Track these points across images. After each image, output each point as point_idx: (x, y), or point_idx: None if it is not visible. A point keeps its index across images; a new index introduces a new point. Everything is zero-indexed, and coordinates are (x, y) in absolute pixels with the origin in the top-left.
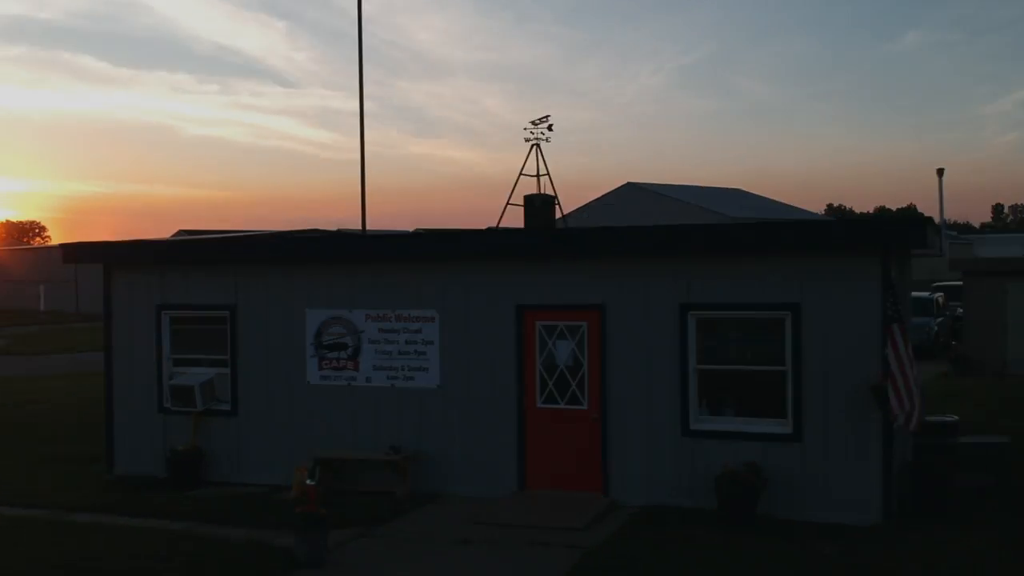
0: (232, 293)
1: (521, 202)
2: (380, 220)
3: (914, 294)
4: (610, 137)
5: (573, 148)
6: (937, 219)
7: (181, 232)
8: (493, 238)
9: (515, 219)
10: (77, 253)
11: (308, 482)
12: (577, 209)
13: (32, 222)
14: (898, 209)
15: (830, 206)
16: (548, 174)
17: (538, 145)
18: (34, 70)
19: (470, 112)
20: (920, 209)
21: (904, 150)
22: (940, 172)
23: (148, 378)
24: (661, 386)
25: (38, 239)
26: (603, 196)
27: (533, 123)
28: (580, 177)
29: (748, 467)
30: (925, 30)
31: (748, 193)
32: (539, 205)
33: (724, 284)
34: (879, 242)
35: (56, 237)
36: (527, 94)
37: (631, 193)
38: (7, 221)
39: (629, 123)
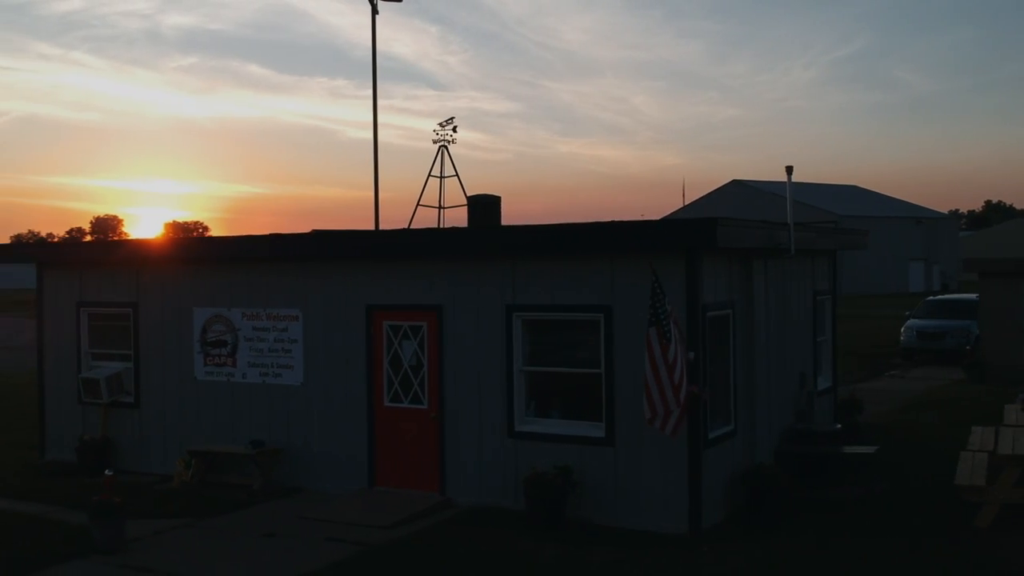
0: (135, 292)
1: (434, 204)
2: (522, 218)
3: (958, 296)
4: (760, 133)
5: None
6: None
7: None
8: (345, 240)
9: (429, 220)
10: (12, 251)
11: (107, 472)
12: (683, 207)
13: (196, 222)
14: None
15: (988, 203)
16: (457, 175)
17: (445, 147)
18: (205, 78)
19: (618, 111)
20: None
21: None
22: (789, 170)
23: (71, 371)
24: (491, 387)
25: None
26: (708, 194)
27: (440, 125)
28: (730, 175)
29: (559, 470)
30: None
31: (864, 190)
32: (484, 206)
33: (546, 286)
34: (682, 243)
35: None
36: (675, 91)
37: (736, 190)
38: (174, 222)
39: (779, 119)
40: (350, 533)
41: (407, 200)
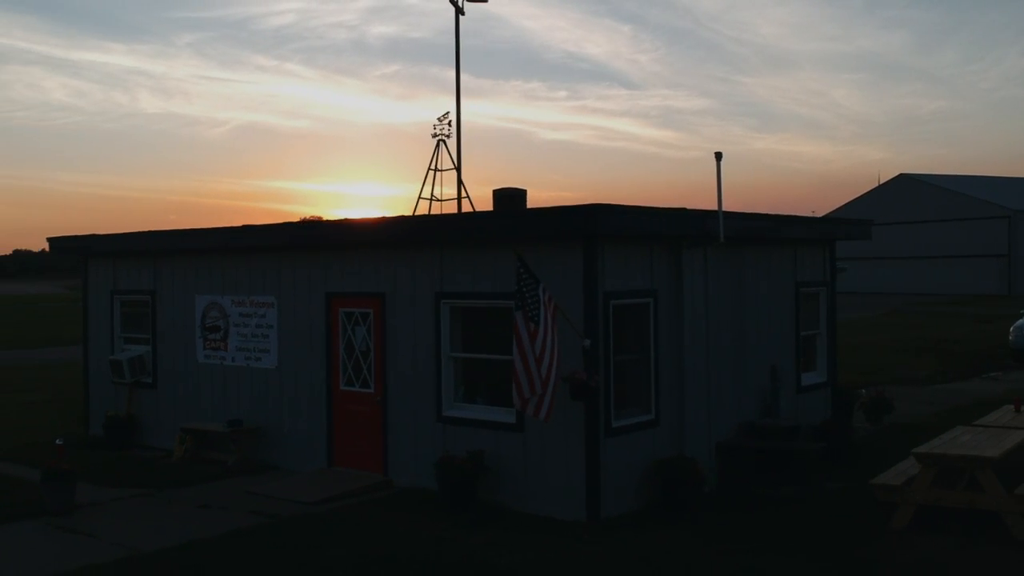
0: (152, 280)
1: (431, 197)
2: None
3: None
4: (971, 125)
5: (931, 139)
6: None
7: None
8: (308, 229)
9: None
10: (61, 244)
11: (57, 442)
12: (851, 201)
13: None
14: None
15: None
16: (457, 168)
17: (443, 141)
18: (406, 85)
19: (816, 105)
20: None
21: None
22: (718, 156)
23: (107, 353)
24: (425, 372)
25: None
26: (876, 188)
27: (439, 119)
28: (941, 168)
29: (471, 455)
30: None
31: None
32: (508, 199)
33: (469, 274)
34: (578, 231)
35: None
36: (878, 84)
37: (903, 184)
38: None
39: (991, 110)
40: (274, 507)
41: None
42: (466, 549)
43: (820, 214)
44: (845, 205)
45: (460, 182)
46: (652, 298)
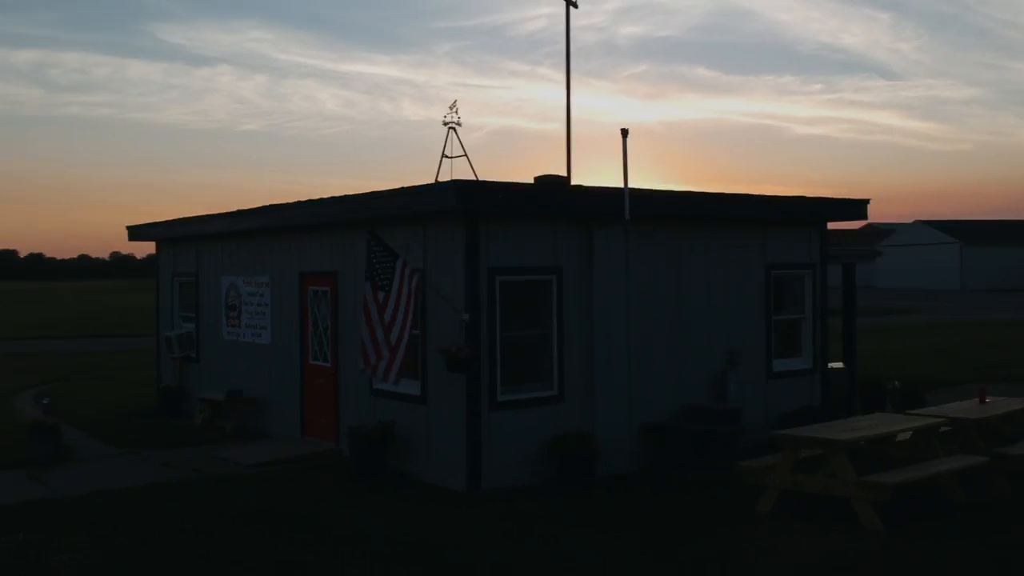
0: (195, 263)
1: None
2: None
3: None
4: None
5: None
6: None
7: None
8: (279, 212)
9: None
10: (139, 231)
11: (44, 401)
12: None
13: None
14: None
15: None
16: (466, 155)
17: (454, 129)
18: (654, 84)
19: None
20: None
21: None
22: (624, 132)
23: (168, 330)
24: None
25: None
26: None
27: (450, 108)
28: None
29: (382, 424)
30: None
31: None
32: (547, 185)
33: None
34: (460, 210)
35: None
36: None
37: None
38: None
39: None
40: (216, 468)
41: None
42: (342, 509)
43: None
44: None
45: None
46: (555, 275)
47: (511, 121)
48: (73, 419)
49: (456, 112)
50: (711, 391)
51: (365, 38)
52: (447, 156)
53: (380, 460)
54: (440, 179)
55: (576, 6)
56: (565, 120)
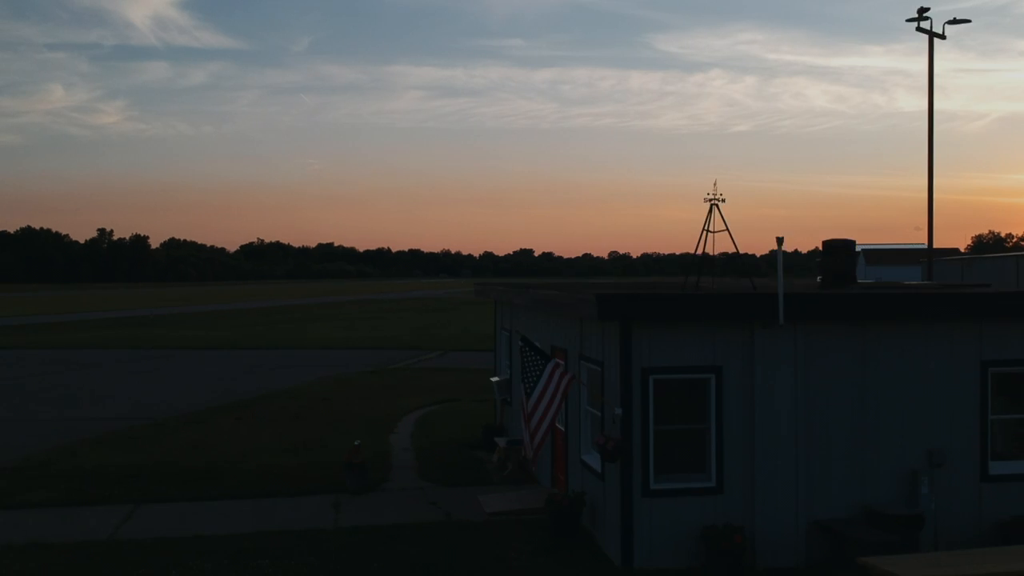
0: (509, 318)
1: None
2: None
3: None
4: None
5: None
6: None
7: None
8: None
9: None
10: (484, 290)
11: (356, 443)
12: None
13: None
14: None
15: None
16: (728, 229)
17: (716, 205)
18: None
19: None
20: None
21: None
22: (779, 241)
23: (496, 375)
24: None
25: None
26: None
27: (714, 186)
28: None
29: (575, 495)
30: None
31: None
32: (836, 249)
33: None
34: (616, 313)
35: None
36: None
37: None
38: None
39: None
40: (464, 512)
41: None
42: (510, 569)
43: None
44: None
45: (735, 245)
46: (713, 374)
47: (1020, 107)
48: (416, 444)
49: (718, 192)
50: (901, 491)
51: (855, 30)
52: (709, 231)
53: (571, 524)
54: (703, 251)
55: (944, 36)
56: None
